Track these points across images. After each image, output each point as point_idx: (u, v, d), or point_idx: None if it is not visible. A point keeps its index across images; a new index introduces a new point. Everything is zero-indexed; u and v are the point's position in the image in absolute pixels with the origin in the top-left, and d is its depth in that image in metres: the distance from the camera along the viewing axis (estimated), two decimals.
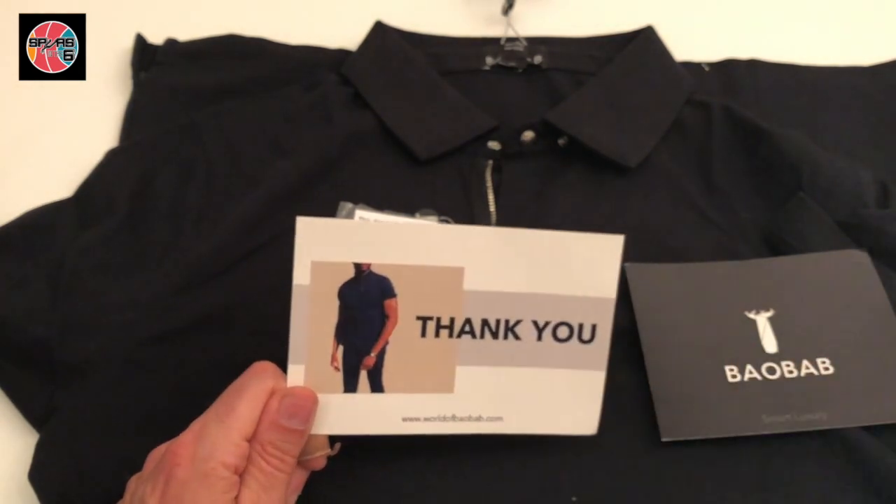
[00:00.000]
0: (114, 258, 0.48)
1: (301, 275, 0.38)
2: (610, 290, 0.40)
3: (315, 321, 0.38)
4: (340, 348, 0.39)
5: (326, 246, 0.38)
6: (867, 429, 0.43)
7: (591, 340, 0.40)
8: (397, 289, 0.39)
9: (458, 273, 0.39)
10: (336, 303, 0.38)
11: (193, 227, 0.50)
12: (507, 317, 0.40)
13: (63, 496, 0.43)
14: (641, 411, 0.44)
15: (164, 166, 0.52)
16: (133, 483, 0.37)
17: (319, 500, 0.41)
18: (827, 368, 0.45)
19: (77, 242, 0.49)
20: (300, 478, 0.40)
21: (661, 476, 0.43)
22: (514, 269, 0.39)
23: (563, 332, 0.40)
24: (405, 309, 0.39)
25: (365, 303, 0.38)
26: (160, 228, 0.50)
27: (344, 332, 0.39)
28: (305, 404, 0.37)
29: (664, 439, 0.43)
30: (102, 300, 0.47)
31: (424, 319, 0.39)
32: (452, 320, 0.39)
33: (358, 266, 0.38)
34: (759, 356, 0.45)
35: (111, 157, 0.53)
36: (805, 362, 0.45)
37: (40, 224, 0.50)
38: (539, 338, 0.40)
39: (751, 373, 0.45)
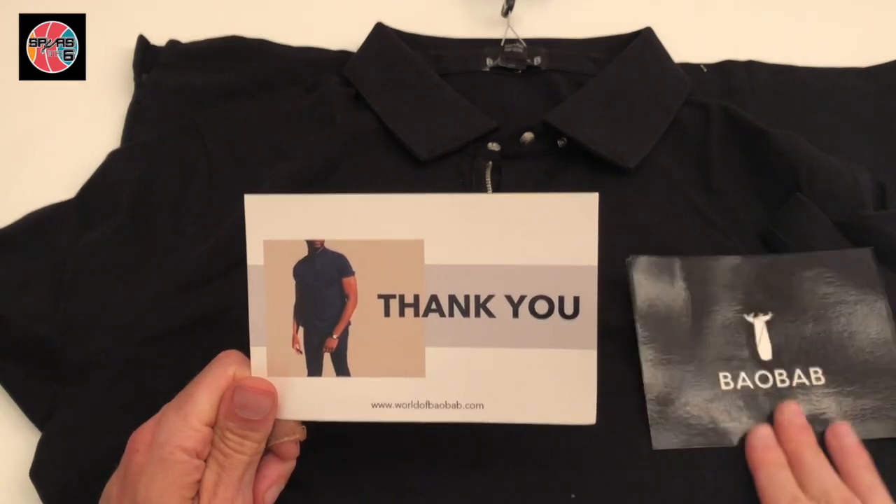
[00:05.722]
0: (116, 259, 0.49)
1: (254, 255, 0.37)
2: (590, 257, 0.36)
3: (272, 302, 0.37)
4: (301, 330, 0.38)
5: (278, 223, 0.37)
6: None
7: (574, 315, 0.37)
8: (354, 266, 0.37)
9: (417, 246, 0.37)
10: (292, 282, 0.37)
11: (195, 228, 0.50)
12: (477, 292, 0.37)
13: (64, 494, 0.43)
14: (640, 409, 0.44)
15: (165, 167, 0.52)
16: None
17: (319, 499, 0.42)
18: (819, 379, 0.45)
19: (79, 243, 0.49)
20: (278, 470, 0.39)
21: (659, 474, 0.43)
22: (479, 239, 0.36)
23: (541, 306, 0.37)
24: (365, 287, 0.37)
25: (321, 281, 0.37)
26: (162, 229, 0.50)
27: (303, 313, 0.37)
28: (255, 398, 0.37)
29: (655, 448, 0.43)
30: (104, 300, 0.47)
31: (386, 298, 0.37)
32: (417, 298, 0.37)
33: (311, 243, 0.37)
34: (753, 364, 0.45)
35: (113, 158, 0.53)
36: (798, 372, 0.45)
37: (43, 225, 0.50)
38: (515, 314, 0.37)
39: (744, 381, 0.45)
